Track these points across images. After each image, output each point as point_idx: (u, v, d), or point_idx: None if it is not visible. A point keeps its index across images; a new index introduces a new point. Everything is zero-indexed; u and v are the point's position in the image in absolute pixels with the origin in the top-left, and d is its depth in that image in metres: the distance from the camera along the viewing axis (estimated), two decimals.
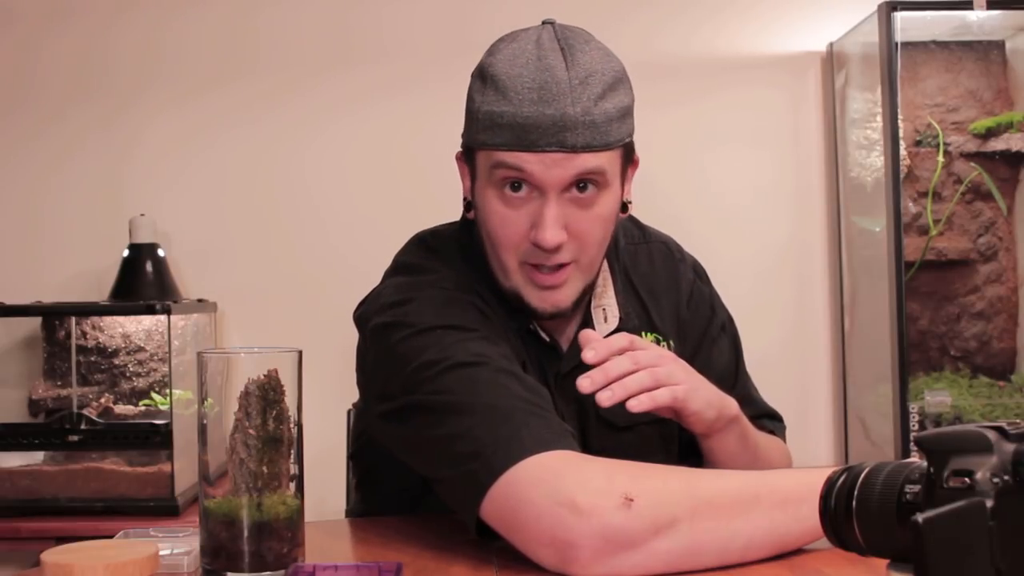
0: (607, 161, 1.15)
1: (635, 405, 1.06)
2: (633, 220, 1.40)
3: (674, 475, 1.02)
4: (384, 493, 1.36)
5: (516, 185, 1.14)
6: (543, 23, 1.19)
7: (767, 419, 1.39)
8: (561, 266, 1.17)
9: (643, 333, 1.30)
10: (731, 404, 1.19)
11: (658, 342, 1.30)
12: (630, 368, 1.07)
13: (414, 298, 1.18)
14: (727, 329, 1.41)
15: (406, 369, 1.11)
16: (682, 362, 1.15)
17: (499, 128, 1.13)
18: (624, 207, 1.24)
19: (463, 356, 1.09)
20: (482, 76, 1.17)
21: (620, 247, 1.35)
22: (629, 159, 1.22)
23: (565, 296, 1.19)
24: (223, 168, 2.55)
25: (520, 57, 1.14)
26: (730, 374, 1.38)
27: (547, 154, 1.11)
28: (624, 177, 1.22)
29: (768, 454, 1.28)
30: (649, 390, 1.08)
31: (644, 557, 0.95)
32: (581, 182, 1.14)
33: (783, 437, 1.40)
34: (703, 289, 1.40)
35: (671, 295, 1.36)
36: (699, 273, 1.41)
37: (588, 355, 1.07)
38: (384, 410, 1.15)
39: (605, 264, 1.29)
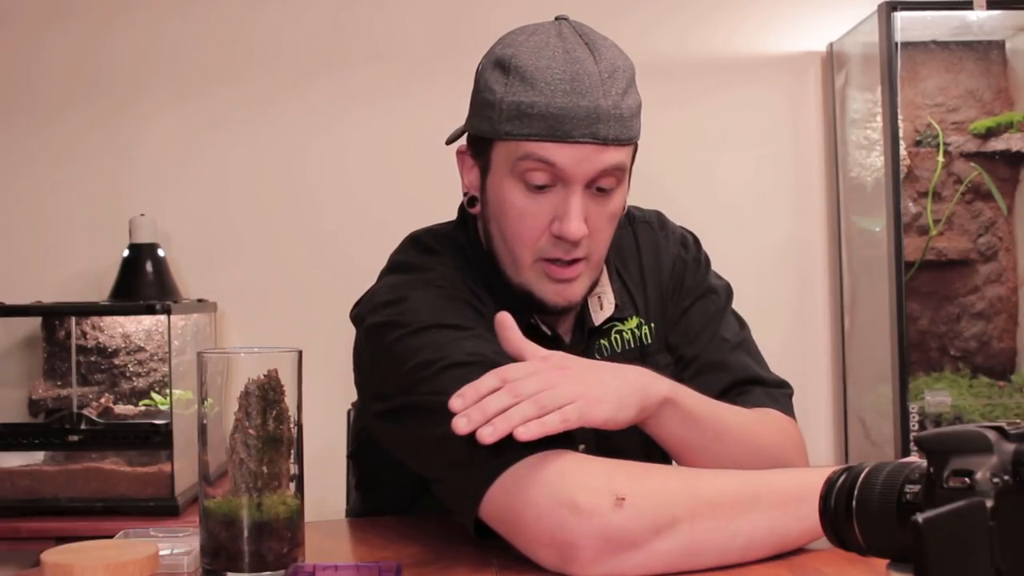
0: (626, 156, 1.16)
1: (523, 433, 0.95)
2: None
3: (674, 475, 1.02)
4: (383, 492, 1.36)
5: (541, 178, 1.14)
6: (556, 19, 1.20)
7: (758, 386, 1.28)
8: (576, 260, 1.17)
9: (628, 316, 1.29)
10: (657, 389, 1.08)
11: (640, 326, 1.30)
12: (510, 402, 0.97)
13: (408, 297, 1.17)
14: (717, 294, 1.35)
15: (402, 369, 1.11)
16: (579, 373, 1.03)
17: (528, 118, 1.12)
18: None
19: (459, 356, 1.09)
20: (502, 67, 1.16)
21: None
22: (634, 157, 1.22)
23: (577, 291, 1.20)
24: (223, 168, 2.55)
25: (545, 49, 1.14)
26: (701, 338, 1.31)
27: (578, 146, 1.11)
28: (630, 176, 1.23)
29: (744, 430, 1.17)
30: (536, 418, 0.97)
31: (645, 557, 0.95)
32: (604, 177, 1.14)
33: (784, 405, 1.28)
34: (685, 258, 1.36)
35: (654, 275, 1.34)
36: (685, 244, 1.38)
37: (455, 403, 0.97)
38: (381, 409, 1.15)
39: None
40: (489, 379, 0.99)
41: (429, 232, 1.31)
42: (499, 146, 1.16)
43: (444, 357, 1.09)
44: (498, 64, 1.17)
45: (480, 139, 1.19)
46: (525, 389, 0.98)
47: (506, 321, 1.07)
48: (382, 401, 1.14)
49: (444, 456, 1.04)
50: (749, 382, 1.29)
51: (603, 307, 1.28)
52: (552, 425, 0.97)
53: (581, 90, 1.11)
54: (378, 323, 1.17)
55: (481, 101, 1.18)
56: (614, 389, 1.04)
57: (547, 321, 1.25)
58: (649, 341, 1.30)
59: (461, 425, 0.95)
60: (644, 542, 0.95)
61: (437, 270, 1.22)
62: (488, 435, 0.94)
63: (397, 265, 1.27)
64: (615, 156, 1.14)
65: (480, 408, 0.96)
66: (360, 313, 1.23)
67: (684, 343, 1.31)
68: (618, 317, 1.29)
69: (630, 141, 1.16)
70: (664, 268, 1.35)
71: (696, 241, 1.40)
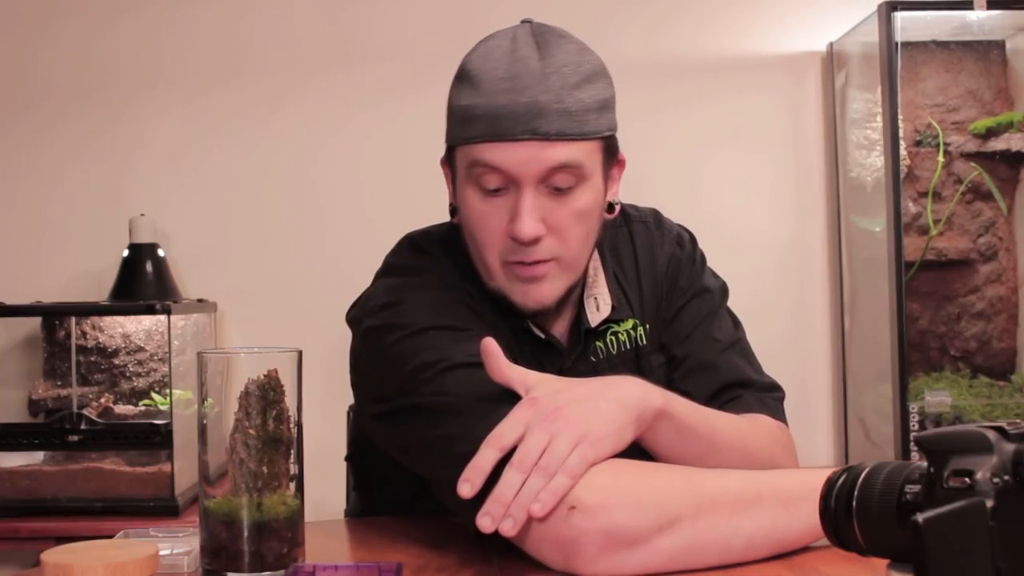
0: (584, 153, 1.13)
1: (538, 511, 0.93)
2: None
3: (678, 473, 1.02)
4: (383, 494, 1.36)
5: (493, 181, 1.13)
6: (522, 22, 1.19)
7: (749, 389, 1.27)
8: (542, 262, 1.15)
9: (624, 317, 1.28)
10: (651, 402, 1.05)
11: (635, 327, 1.29)
12: (521, 480, 0.94)
13: (405, 299, 1.17)
14: (711, 293, 1.33)
15: (402, 371, 1.10)
16: (573, 412, 0.99)
17: (473, 121, 1.13)
18: (611, 208, 1.23)
19: (459, 357, 1.08)
20: (458, 74, 1.17)
21: (607, 234, 1.32)
22: (611, 156, 1.20)
23: (547, 292, 1.17)
24: (223, 169, 2.55)
25: (494, 52, 1.15)
26: (693, 338, 1.29)
27: (521, 144, 1.10)
28: (607, 175, 1.20)
29: (736, 439, 1.15)
30: (544, 487, 0.94)
31: (647, 554, 0.95)
32: (557, 174, 1.12)
33: (775, 410, 1.27)
34: (680, 257, 1.34)
35: (649, 274, 1.32)
36: (681, 242, 1.36)
37: (464, 489, 0.95)
38: (380, 411, 1.14)
39: (596, 254, 1.28)
40: (487, 453, 0.96)
41: (424, 233, 1.31)
42: (457, 153, 1.17)
43: (445, 358, 1.09)
44: (457, 72, 1.18)
45: (449, 148, 1.21)
46: (529, 457, 0.95)
47: (490, 348, 1.04)
48: (381, 403, 1.14)
49: (447, 456, 1.03)
50: (739, 385, 1.27)
51: (599, 308, 1.27)
52: (563, 488, 0.95)
53: (520, 87, 1.10)
54: (376, 326, 1.17)
55: (447, 110, 1.20)
56: (609, 416, 1.00)
57: (540, 324, 1.24)
58: (644, 342, 1.29)
59: (486, 524, 0.93)
60: (647, 539, 0.95)
61: (432, 272, 1.22)
62: (509, 528, 0.93)
63: (392, 267, 1.27)
64: (564, 152, 1.11)
65: (497, 501, 0.94)
66: (356, 316, 1.23)
67: (676, 343, 1.30)
68: (614, 319, 1.28)
69: (582, 136, 1.12)
70: (659, 267, 1.33)
71: (692, 239, 1.38)
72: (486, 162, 1.12)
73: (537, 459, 0.95)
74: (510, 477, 0.95)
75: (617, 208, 1.25)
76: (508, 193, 1.14)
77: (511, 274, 1.17)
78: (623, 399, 1.03)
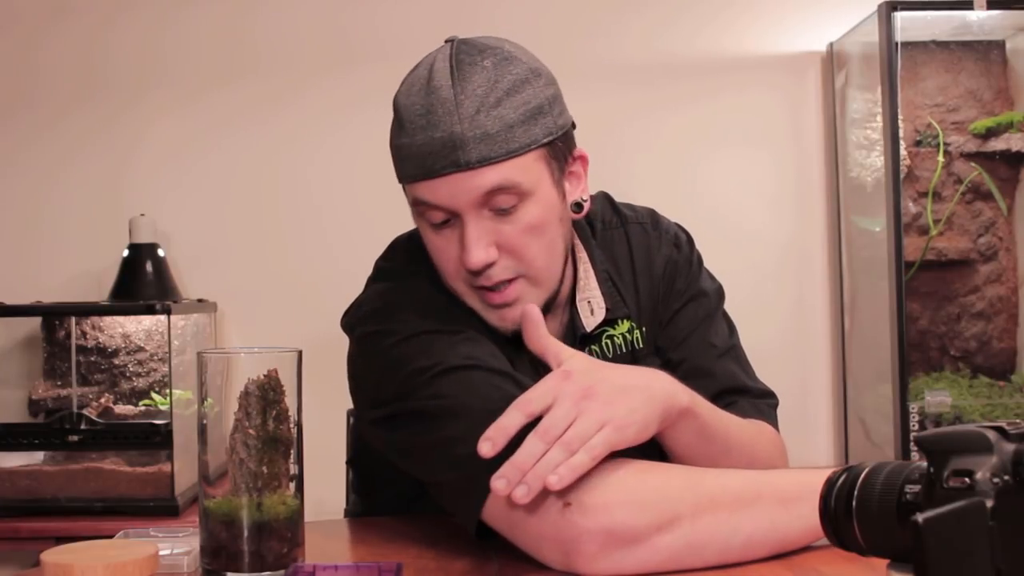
0: (517, 170, 1.10)
1: (555, 483, 0.93)
2: (610, 202, 1.35)
3: (677, 472, 1.03)
4: (383, 497, 1.36)
5: (436, 216, 1.12)
6: (446, 41, 1.17)
7: (744, 396, 1.27)
8: (508, 283, 1.14)
9: (620, 320, 1.27)
10: (679, 400, 1.06)
11: (631, 330, 1.28)
12: (542, 449, 0.94)
13: (397, 304, 1.17)
14: (707, 296, 1.32)
15: (398, 375, 1.10)
16: (605, 394, 0.99)
17: (404, 161, 1.13)
18: (579, 207, 1.20)
19: (455, 360, 1.08)
20: (394, 112, 1.16)
21: (597, 234, 1.31)
22: (561, 158, 1.16)
23: (520, 312, 1.15)
24: (223, 169, 2.55)
25: (414, 86, 1.13)
26: (689, 343, 1.29)
27: (446, 178, 1.08)
28: (559, 178, 1.16)
29: (746, 443, 1.17)
30: (563, 461, 0.95)
31: (647, 553, 0.96)
32: (495, 198, 1.10)
33: (771, 417, 1.28)
34: (677, 259, 1.32)
35: (646, 277, 1.30)
36: (678, 244, 1.33)
37: (484, 448, 0.95)
38: (378, 416, 1.14)
39: (585, 256, 1.27)
40: (513, 415, 0.97)
41: (412, 237, 1.30)
42: (405, 190, 1.17)
43: (440, 362, 1.08)
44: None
45: None
46: (555, 429, 0.96)
47: (533, 315, 1.06)
48: (379, 408, 1.14)
49: (446, 459, 1.04)
50: (735, 391, 1.27)
51: (593, 312, 1.25)
52: (583, 467, 0.95)
53: (435, 122, 1.09)
54: (370, 332, 1.17)
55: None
56: (638, 405, 1.01)
57: None
58: (640, 345, 1.28)
59: (501, 486, 0.94)
60: (646, 538, 0.95)
61: (423, 275, 1.21)
62: (522, 496, 0.93)
63: (383, 272, 1.27)
64: (492, 176, 1.09)
65: (514, 465, 0.94)
66: (350, 322, 1.23)
67: (672, 346, 1.29)
68: (609, 320, 1.26)
69: (508, 155, 1.09)
70: (656, 269, 1.31)
71: (689, 240, 1.36)
72: (422, 200, 1.12)
73: (561, 432, 0.95)
74: (532, 445, 0.95)
75: (586, 206, 1.22)
76: (455, 224, 1.12)
77: (482, 301, 1.15)
78: (653, 391, 1.04)
